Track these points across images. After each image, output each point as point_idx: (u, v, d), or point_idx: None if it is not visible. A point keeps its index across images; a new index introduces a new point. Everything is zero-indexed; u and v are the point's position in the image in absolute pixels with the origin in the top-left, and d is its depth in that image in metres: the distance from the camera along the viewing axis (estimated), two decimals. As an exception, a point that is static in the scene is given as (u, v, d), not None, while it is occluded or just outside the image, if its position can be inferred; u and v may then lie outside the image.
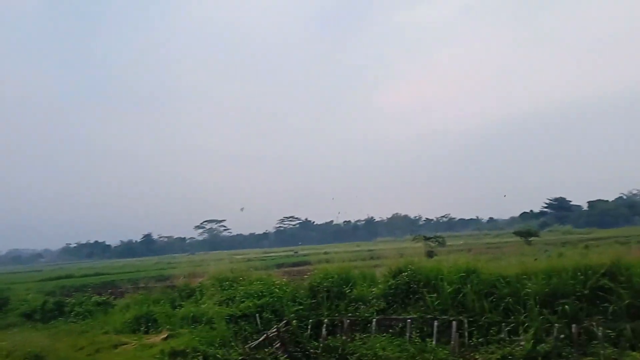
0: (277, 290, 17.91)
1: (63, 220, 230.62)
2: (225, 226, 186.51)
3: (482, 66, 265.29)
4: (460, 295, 15.52)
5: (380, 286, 17.39)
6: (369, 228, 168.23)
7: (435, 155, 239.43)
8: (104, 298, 23.79)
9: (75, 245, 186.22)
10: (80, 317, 21.36)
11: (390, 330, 15.29)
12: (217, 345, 13.62)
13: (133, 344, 14.77)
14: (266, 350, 13.72)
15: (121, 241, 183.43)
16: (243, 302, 17.11)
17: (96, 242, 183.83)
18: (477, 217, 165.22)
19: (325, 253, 34.15)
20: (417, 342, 14.23)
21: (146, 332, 16.40)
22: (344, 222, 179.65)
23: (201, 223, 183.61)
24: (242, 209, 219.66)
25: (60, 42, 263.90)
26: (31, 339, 14.67)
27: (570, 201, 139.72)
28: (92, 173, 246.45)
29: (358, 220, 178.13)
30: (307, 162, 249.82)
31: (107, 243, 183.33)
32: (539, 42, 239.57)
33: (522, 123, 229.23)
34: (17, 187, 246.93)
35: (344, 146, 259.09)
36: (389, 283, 17.00)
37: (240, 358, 12.63)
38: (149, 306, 18.65)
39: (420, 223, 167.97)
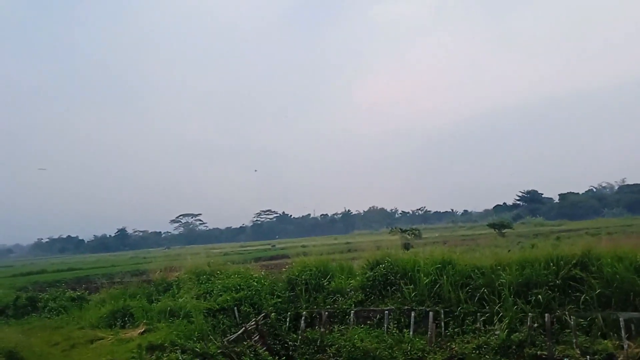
0: (255, 284, 17.90)
1: (34, 214, 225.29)
2: (201, 220, 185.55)
3: (456, 62, 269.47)
4: (437, 286, 15.77)
5: (358, 278, 17.55)
6: (346, 221, 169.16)
7: (411, 149, 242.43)
8: (79, 293, 23.37)
9: (47, 240, 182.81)
10: (55, 312, 20.93)
11: (369, 322, 15.48)
12: (195, 339, 13.52)
13: (109, 338, 14.57)
14: (245, 343, 13.71)
15: (95, 236, 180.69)
16: (221, 295, 17.04)
17: (69, 236, 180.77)
18: (452, 209, 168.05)
19: (303, 246, 34.22)
20: (395, 332, 14.44)
21: (123, 327, 16.18)
22: (321, 215, 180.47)
23: (177, 217, 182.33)
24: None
25: (41, 33, 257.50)
26: (4, 335, 14.35)
27: (542, 194, 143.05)
28: (65, 165, 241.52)
29: (335, 214, 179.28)
30: (284, 156, 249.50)
31: (80, 238, 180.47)
32: (512, 39, 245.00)
33: (495, 118, 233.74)
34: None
35: (321, 140, 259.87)
36: (367, 275, 17.17)
37: (218, 351, 12.57)
38: (125, 301, 18.41)
39: (397, 216, 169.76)
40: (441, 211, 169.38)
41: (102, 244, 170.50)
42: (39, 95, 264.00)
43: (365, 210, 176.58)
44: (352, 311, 15.90)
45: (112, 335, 15.04)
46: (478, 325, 13.94)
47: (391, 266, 16.94)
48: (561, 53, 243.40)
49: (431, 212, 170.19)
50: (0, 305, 23.09)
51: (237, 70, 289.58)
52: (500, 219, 70.30)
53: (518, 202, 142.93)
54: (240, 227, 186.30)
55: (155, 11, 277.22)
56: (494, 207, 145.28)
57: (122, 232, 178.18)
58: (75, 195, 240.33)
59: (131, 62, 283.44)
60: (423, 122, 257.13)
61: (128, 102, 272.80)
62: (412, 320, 14.75)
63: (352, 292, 16.94)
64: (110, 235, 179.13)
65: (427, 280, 15.93)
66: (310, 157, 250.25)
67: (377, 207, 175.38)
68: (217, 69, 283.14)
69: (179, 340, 13.09)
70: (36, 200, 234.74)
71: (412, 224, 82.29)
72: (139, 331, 15.01)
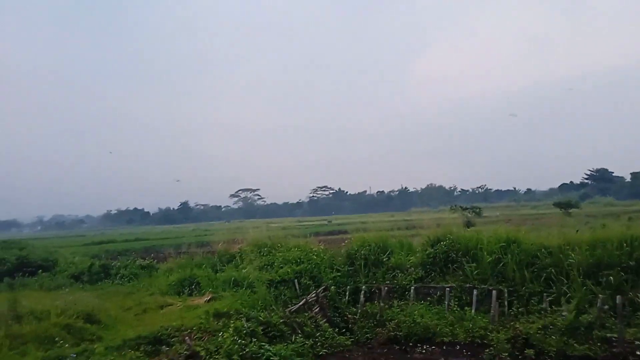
0: (315, 257, 18.16)
1: (104, 187, 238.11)
2: (259, 195, 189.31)
3: (520, 33, 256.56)
4: (500, 265, 15.45)
5: (418, 255, 17.46)
6: (403, 199, 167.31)
7: (471, 124, 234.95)
8: (148, 262, 24.62)
9: (115, 211, 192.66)
10: (126, 279, 22.19)
11: (429, 299, 15.42)
12: (258, 308, 13.98)
13: (178, 305, 15.31)
14: (306, 314, 14.03)
15: (159, 208, 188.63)
16: (282, 267, 17.42)
17: (135, 209, 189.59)
18: (515, 188, 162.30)
19: (363, 223, 34.25)
20: (456, 310, 14.32)
21: (190, 295, 16.94)
22: (378, 192, 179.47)
23: (236, 192, 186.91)
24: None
25: (92, 14, 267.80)
26: (82, 299, 15.36)
27: (612, 172, 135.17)
28: (131, 143, 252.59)
29: (391, 191, 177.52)
30: (341, 132, 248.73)
31: (145, 210, 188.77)
32: (577, 8, 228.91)
33: (561, 91, 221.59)
34: (60, 156, 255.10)
35: (378, 116, 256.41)
36: (427, 252, 17.03)
37: (281, 321, 12.93)
38: (192, 270, 19.22)
39: (456, 194, 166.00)
40: (503, 189, 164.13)
41: (166, 216, 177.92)
42: (105, 76, 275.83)
43: (423, 187, 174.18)
44: (412, 287, 15.87)
45: (180, 301, 15.78)
46: (544, 305, 13.55)
47: (452, 244, 16.71)
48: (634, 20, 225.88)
49: (492, 191, 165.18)
50: (76, 271, 24.69)
51: (293, 48, 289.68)
52: (567, 198, 67.35)
53: (586, 181, 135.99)
54: (297, 202, 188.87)
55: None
56: (559, 186, 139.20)
57: (184, 205, 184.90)
58: (142, 170, 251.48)
59: (190, 46, 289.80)
60: (484, 95, 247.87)
61: (189, 85, 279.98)
62: (475, 298, 14.54)
63: (412, 269, 16.88)
64: (173, 208, 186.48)
65: (490, 258, 15.62)
66: (368, 132, 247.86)
67: (435, 185, 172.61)
68: (273, 48, 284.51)
69: (243, 309, 13.56)
70: (105, 174, 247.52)
71: (471, 203, 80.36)
72: (205, 299, 15.65)
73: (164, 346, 10.80)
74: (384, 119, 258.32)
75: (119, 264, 25.05)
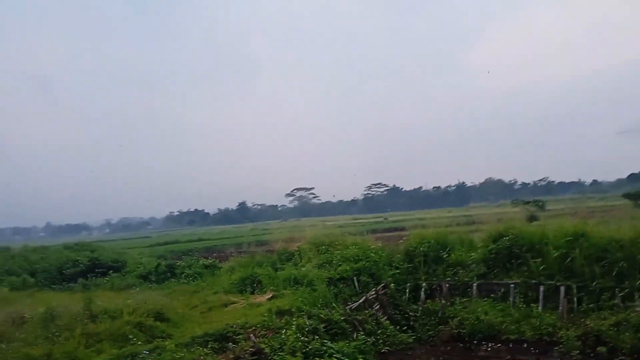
0: (373, 255, 18.12)
1: (167, 190, 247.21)
2: (314, 194, 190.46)
3: (577, 19, 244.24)
4: (568, 260, 14.87)
5: (479, 251, 17.08)
6: (460, 194, 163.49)
7: (530, 114, 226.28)
8: (211, 261, 25.44)
9: (177, 213, 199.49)
10: (191, 278, 23.01)
11: (492, 295, 15.05)
12: (319, 305, 14.11)
13: (241, 303, 15.70)
14: (366, 311, 14.05)
15: (218, 209, 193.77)
16: (340, 265, 17.50)
17: (196, 210, 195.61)
18: (579, 179, 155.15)
19: (420, 219, 33.85)
20: (522, 307, 13.90)
21: (252, 293, 17.33)
22: (434, 188, 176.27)
23: (291, 191, 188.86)
24: None
25: (143, 17, 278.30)
26: (151, 298, 16.04)
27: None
28: (190, 146, 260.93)
29: (448, 186, 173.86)
30: (394, 128, 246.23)
31: (206, 211, 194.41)
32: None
33: (621, 78, 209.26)
34: (124, 161, 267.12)
35: (432, 109, 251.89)
36: (489, 248, 16.62)
37: (342, 318, 13.02)
38: (253, 268, 19.64)
39: (516, 187, 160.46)
40: (566, 181, 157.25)
41: (225, 216, 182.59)
42: (157, 80, 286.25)
43: (481, 182, 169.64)
44: (475, 284, 15.54)
45: (243, 299, 16.18)
46: (616, 301, 12.94)
47: (516, 239, 16.22)
48: None
49: (555, 183, 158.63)
50: (144, 271, 25.82)
51: (345, 44, 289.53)
52: (637, 189, 63.58)
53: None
54: (352, 200, 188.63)
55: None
56: (628, 176, 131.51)
57: (242, 205, 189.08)
58: (201, 173, 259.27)
59: (244, 45, 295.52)
60: (543, 84, 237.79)
61: (243, 87, 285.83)
62: (541, 294, 14.06)
63: (474, 265, 16.54)
64: (232, 209, 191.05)
65: (557, 253, 15.05)
66: (422, 127, 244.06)
67: (493, 179, 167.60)
68: (325, 43, 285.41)
69: (304, 306, 13.73)
70: (168, 178, 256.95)
71: (533, 196, 77.45)
72: (267, 297, 15.96)
73: (230, 343, 11.11)
74: (438, 113, 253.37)
75: (183, 263, 26.02)
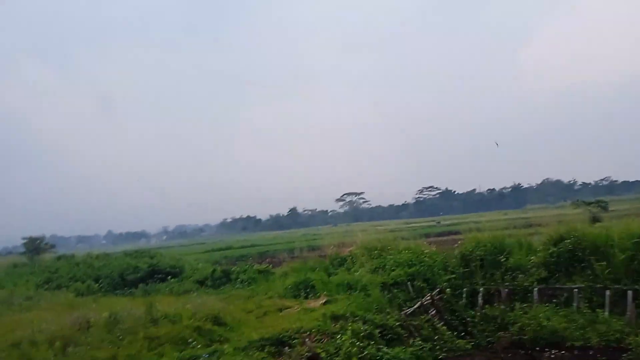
0: (427, 259, 17.82)
1: (220, 198, 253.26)
2: (364, 198, 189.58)
3: (635, 14, 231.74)
4: (635, 262, 14.11)
5: (539, 254, 16.48)
6: (516, 195, 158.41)
7: (589, 113, 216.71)
8: (264, 266, 25.73)
9: (230, 220, 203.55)
10: (245, 283, 23.36)
11: (554, 300, 14.48)
12: (373, 311, 13.99)
13: (296, 308, 15.77)
14: (422, 317, 13.82)
15: (270, 215, 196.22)
16: (394, 270, 17.30)
17: (248, 216, 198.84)
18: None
19: (475, 222, 33.01)
20: (587, 312, 13.29)
21: (306, 297, 17.38)
22: (488, 190, 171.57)
23: (341, 196, 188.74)
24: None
25: (201, 33, 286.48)
26: (208, 303, 16.41)
27: None
28: (241, 153, 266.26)
29: (503, 188, 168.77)
30: (446, 130, 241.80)
31: (257, 217, 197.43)
32: None
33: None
34: (180, 171, 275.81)
35: (485, 110, 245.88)
36: (550, 251, 16.03)
37: (397, 324, 12.86)
38: (306, 274, 19.71)
39: (576, 188, 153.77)
40: (630, 180, 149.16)
41: (276, 222, 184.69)
42: (214, 86, 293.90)
43: (539, 182, 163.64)
44: (535, 289, 14.99)
45: (297, 304, 16.25)
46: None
47: (578, 241, 15.57)
48: None
49: (618, 182, 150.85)
50: (200, 276, 26.43)
51: (392, 49, 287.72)
52: None
53: None
54: (403, 204, 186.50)
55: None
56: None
57: (293, 211, 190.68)
58: (253, 180, 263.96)
59: (287, 55, 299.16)
60: (601, 80, 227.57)
61: (288, 93, 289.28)
62: (607, 299, 13.39)
63: (534, 269, 15.97)
64: (283, 215, 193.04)
65: (623, 256, 14.38)
66: (474, 128, 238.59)
67: (552, 179, 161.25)
68: (370, 50, 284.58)
69: (358, 312, 13.63)
70: (220, 185, 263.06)
71: (595, 196, 73.96)
72: (321, 302, 15.97)
73: (286, 347, 11.18)
74: (490, 113, 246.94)
75: (237, 269, 26.45)
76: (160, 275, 27.62)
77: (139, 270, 28.72)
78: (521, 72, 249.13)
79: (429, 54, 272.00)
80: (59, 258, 45.26)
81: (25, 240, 53.33)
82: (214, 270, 26.55)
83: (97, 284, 27.35)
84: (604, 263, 14.48)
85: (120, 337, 12.37)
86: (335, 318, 13.24)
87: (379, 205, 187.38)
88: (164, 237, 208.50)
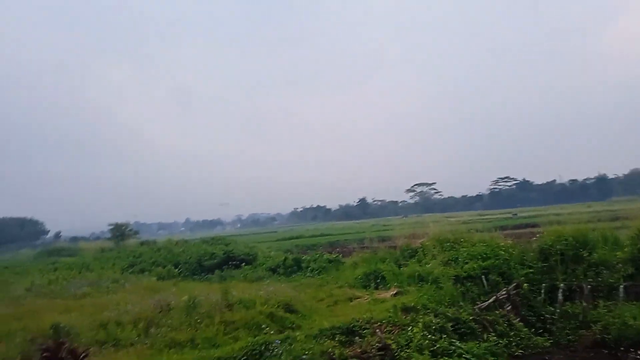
0: (503, 253, 17.18)
1: (291, 187, 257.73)
2: (435, 189, 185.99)
3: None
4: None
5: (626, 250, 15.40)
6: (601, 187, 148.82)
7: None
8: (334, 256, 25.98)
9: (301, 209, 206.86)
10: (316, 272, 23.72)
11: (641, 298, 13.48)
12: (445, 304, 13.74)
13: (366, 298, 15.84)
14: (497, 312, 13.38)
15: (339, 205, 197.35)
16: (467, 263, 16.86)
17: (318, 206, 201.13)
18: None
19: (555, 215, 31.37)
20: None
21: (376, 288, 17.41)
22: (569, 181, 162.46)
23: (412, 186, 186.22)
24: None
25: (267, 28, 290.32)
26: (280, 290, 16.82)
27: None
28: (310, 146, 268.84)
29: (586, 179, 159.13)
30: (521, 118, 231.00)
31: (327, 207, 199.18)
32: None
33: None
34: (254, 163, 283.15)
35: (565, 96, 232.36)
36: (639, 246, 14.91)
37: (470, 318, 12.52)
38: (376, 264, 19.72)
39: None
40: None
41: (345, 212, 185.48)
42: (283, 80, 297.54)
43: (626, 173, 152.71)
44: (621, 286, 14.05)
45: (367, 295, 16.30)
46: None
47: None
48: None
49: None
50: (272, 264, 27.13)
51: (472, 36, 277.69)
52: None
53: None
54: (477, 195, 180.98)
55: None
56: None
57: (362, 201, 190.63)
58: (323, 170, 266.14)
59: (358, 46, 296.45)
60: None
61: (357, 87, 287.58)
62: None
63: (620, 265, 14.95)
64: (352, 205, 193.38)
65: None
66: (554, 116, 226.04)
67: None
68: (442, 38, 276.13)
69: (430, 304, 13.44)
70: (290, 175, 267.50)
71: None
72: (391, 293, 15.92)
73: (356, 337, 11.24)
74: (572, 100, 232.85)
75: (308, 257, 26.91)
76: (234, 262, 28.66)
77: (215, 257, 29.94)
78: (606, 58, 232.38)
79: (504, 40, 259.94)
80: (142, 244, 48.27)
81: (111, 227, 57.20)
82: (285, 259, 27.15)
83: (177, 269, 28.81)
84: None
85: (198, 321, 12.99)
86: (406, 310, 13.13)
87: (452, 196, 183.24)
88: (238, 225, 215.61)
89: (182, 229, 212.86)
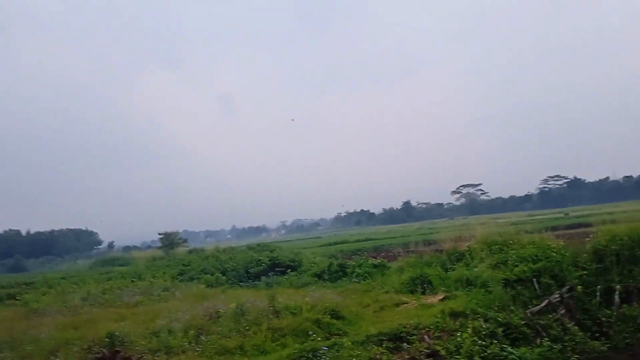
0: (554, 254, 16.60)
1: (335, 192, 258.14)
2: (482, 190, 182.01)
3: None
4: None
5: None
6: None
7: None
8: (380, 261, 25.83)
9: (345, 214, 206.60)
10: (361, 277, 23.62)
11: None
12: (495, 308, 13.40)
13: (413, 303, 15.65)
14: (550, 316, 12.97)
15: (383, 209, 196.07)
16: (517, 266, 16.38)
17: (362, 210, 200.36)
18: None
19: (609, 214, 30.09)
20: None
21: (423, 293, 17.17)
22: (624, 177, 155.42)
23: (457, 188, 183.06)
24: None
25: (304, 32, 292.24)
26: (326, 296, 16.84)
27: None
28: (353, 147, 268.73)
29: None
30: (571, 112, 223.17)
31: (371, 211, 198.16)
32: None
33: None
34: (297, 168, 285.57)
35: (614, 90, 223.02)
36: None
37: (522, 322, 12.21)
38: (422, 268, 19.46)
39: None
40: None
41: (390, 216, 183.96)
42: (321, 82, 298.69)
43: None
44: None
45: (414, 300, 16.11)
46: None
47: None
48: None
49: None
50: (317, 270, 27.19)
51: (511, 37, 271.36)
52: None
53: None
54: (525, 195, 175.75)
55: None
56: None
57: (407, 204, 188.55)
58: (367, 174, 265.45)
59: (398, 44, 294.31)
60: None
61: (392, 84, 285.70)
62: None
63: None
64: (396, 208, 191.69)
65: None
66: (607, 110, 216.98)
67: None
68: (486, 39, 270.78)
69: (479, 309, 13.16)
70: (334, 179, 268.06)
71: None
72: (439, 298, 15.67)
73: (404, 343, 11.16)
74: (623, 92, 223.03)
75: (353, 263, 26.85)
76: (280, 268, 28.91)
77: (261, 264, 30.30)
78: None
79: (547, 36, 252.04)
80: (190, 252, 49.52)
81: (161, 236, 58.91)
82: (330, 264, 27.17)
83: (224, 276, 29.31)
84: None
85: (247, 327, 13.18)
86: (454, 315, 12.92)
87: (499, 197, 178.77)
88: (282, 232, 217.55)
89: (229, 236, 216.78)
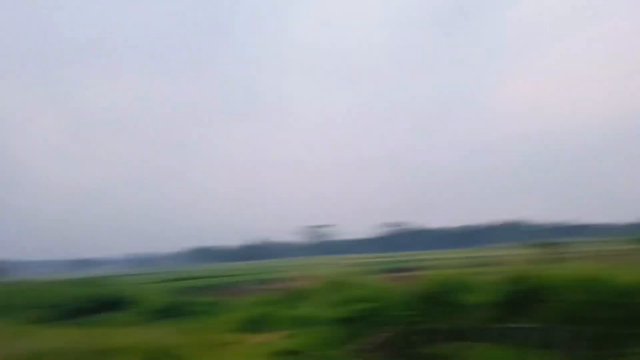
0: (386, 295, 17.72)
1: (188, 226, 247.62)
2: (332, 230, 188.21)
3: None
4: (584, 305, 14.28)
5: (491, 294, 16.57)
6: (486, 234, 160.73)
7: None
8: (220, 299, 25.23)
9: (191, 249, 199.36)
10: (200, 315, 22.75)
11: (509, 340, 14.48)
12: (330, 346, 13.74)
13: (250, 342, 15.36)
14: (379, 354, 13.63)
15: (239, 245, 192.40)
16: (352, 305, 17.12)
17: (216, 246, 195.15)
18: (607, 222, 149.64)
19: (437, 260, 33.25)
20: (539, 352, 13.34)
21: (261, 332, 17.01)
22: (460, 226, 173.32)
23: (307, 227, 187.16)
24: None
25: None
26: (161, 335, 15.83)
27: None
28: (208, 181, 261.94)
29: (478, 225, 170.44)
30: (418, 164, 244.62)
31: (227, 246, 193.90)
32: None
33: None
34: (141, 199, 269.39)
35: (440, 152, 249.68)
36: (503, 290, 16.15)
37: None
38: (263, 307, 19.37)
39: (528, 229, 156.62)
40: (600, 222, 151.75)
41: (248, 251, 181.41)
42: (199, 113, 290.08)
43: (498, 223, 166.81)
44: (488, 328, 15.02)
45: (252, 338, 15.84)
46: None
47: (529, 281, 15.91)
48: None
49: (575, 225, 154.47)
50: (154, 307, 25.62)
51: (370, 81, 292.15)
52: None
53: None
54: (370, 238, 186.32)
55: None
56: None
57: (255, 242, 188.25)
58: (223, 207, 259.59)
59: (269, 80, 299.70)
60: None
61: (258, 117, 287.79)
62: (560, 340, 13.58)
63: (486, 308, 16.03)
64: (248, 245, 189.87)
65: (575, 298, 14.50)
66: (442, 165, 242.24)
67: (509, 219, 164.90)
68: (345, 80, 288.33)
69: (315, 347, 13.37)
70: (181, 213, 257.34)
71: (546, 238, 75.40)
72: (276, 337, 15.62)
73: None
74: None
75: (193, 300, 25.90)
76: (113, 305, 26.76)
77: (91, 300, 27.78)
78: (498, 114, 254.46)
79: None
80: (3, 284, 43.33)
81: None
82: (168, 301, 25.91)
83: (46, 312, 26.24)
84: (557, 304, 14.65)
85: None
86: (288, 353, 12.94)
87: (352, 239, 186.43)
88: (122, 265, 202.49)
89: (63, 268, 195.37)
